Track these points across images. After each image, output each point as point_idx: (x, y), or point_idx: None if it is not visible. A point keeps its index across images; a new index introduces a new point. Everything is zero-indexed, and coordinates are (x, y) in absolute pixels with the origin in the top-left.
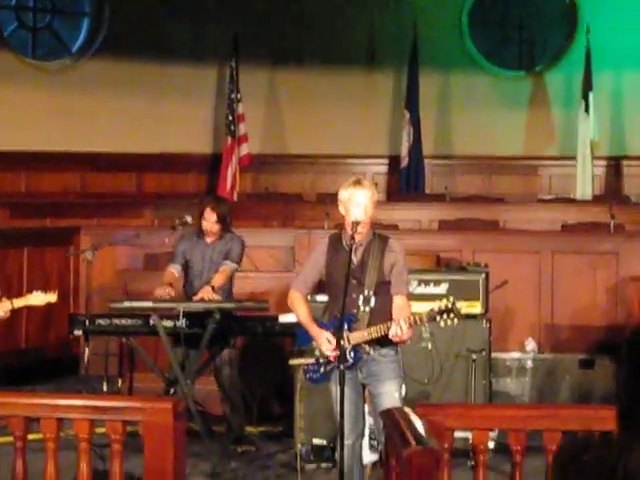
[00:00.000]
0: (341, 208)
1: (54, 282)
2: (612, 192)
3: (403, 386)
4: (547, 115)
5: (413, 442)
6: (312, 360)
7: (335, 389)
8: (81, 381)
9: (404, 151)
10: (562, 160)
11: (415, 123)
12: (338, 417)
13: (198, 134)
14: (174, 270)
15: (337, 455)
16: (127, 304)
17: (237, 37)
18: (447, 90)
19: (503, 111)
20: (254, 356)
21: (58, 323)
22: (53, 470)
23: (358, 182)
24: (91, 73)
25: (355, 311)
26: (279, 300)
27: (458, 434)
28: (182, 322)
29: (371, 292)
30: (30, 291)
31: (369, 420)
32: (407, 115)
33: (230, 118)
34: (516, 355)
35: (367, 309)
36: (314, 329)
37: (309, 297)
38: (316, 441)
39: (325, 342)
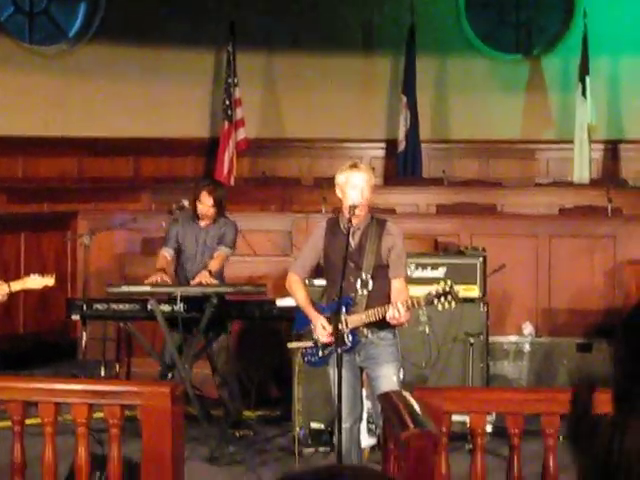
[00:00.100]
0: (338, 192)
1: (51, 267)
2: (609, 176)
3: (401, 370)
4: (544, 99)
5: (411, 425)
6: (310, 343)
7: (333, 372)
8: (79, 366)
9: (401, 135)
10: (559, 144)
11: (412, 107)
12: (336, 401)
13: (195, 118)
14: (167, 254)
15: (335, 439)
16: (125, 288)
17: (234, 21)
18: (444, 74)
19: (500, 95)
20: (252, 340)
21: (55, 308)
22: (51, 454)
23: (354, 165)
24: (88, 58)
25: (353, 294)
26: (277, 284)
27: (456, 418)
28: (180, 306)
29: (369, 275)
30: (27, 275)
31: (367, 404)
32: (404, 99)
33: (227, 103)
34: (514, 339)
35: (365, 292)
36: (312, 313)
37: (307, 281)
38: (314, 425)
39: (320, 327)
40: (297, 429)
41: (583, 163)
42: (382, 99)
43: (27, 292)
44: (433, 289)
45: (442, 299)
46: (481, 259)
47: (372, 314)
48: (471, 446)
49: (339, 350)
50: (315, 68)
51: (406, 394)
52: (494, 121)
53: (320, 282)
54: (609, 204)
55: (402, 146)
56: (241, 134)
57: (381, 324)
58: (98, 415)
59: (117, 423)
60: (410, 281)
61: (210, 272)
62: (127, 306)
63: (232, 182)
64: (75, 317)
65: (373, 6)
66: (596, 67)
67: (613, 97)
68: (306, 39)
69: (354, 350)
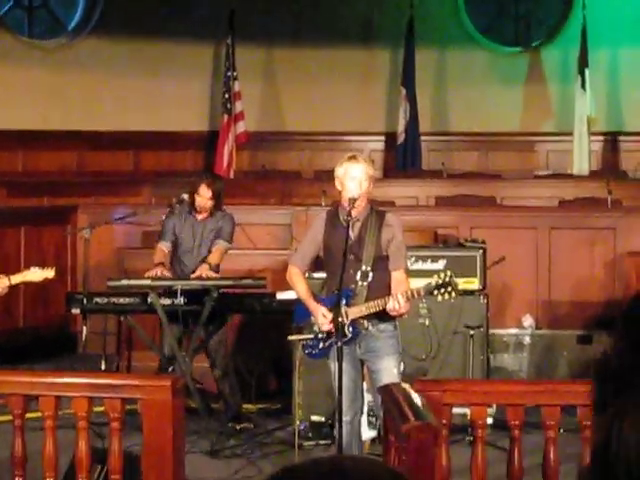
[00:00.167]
0: (337, 184)
1: (51, 261)
2: (609, 168)
3: (401, 362)
4: (544, 91)
5: (411, 417)
6: (311, 336)
7: (334, 365)
8: (79, 360)
9: (401, 128)
10: (559, 136)
11: (412, 100)
12: (336, 393)
13: (195, 112)
14: (164, 247)
15: (336, 432)
16: (125, 282)
17: (233, 14)
18: (444, 66)
19: (500, 87)
20: (252, 333)
21: (56, 302)
22: (52, 448)
23: (353, 157)
24: (87, 51)
25: (353, 286)
26: (277, 277)
27: (456, 410)
28: (180, 300)
29: (369, 267)
30: (28, 269)
31: (367, 396)
32: (403, 92)
33: (226, 96)
34: (514, 331)
35: (365, 284)
36: (312, 304)
37: (307, 274)
38: (314, 418)
39: (320, 316)
40: (297, 422)
41: (583, 155)
42: (382, 92)
43: (27, 286)
44: (433, 280)
45: (442, 290)
46: (481, 251)
47: (372, 306)
48: (472, 438)
49: (339, 342)
50: (315, 61)
51: (406, 386)
52: (493, 113)
53: (319, 275)
54: (609, 196)
55: (401, 138)
56: (241, 127)
57: (381, 316)
58: (99, 409)
59: (118, 417)
60: (410, 273)
61: (210, 266)
62: (127, 300)
63: (232, 175)
64: (75, 311)
65: None
66: (595, 59)
67: (612, 89)
68: (306, 32)
69: (355, 342)
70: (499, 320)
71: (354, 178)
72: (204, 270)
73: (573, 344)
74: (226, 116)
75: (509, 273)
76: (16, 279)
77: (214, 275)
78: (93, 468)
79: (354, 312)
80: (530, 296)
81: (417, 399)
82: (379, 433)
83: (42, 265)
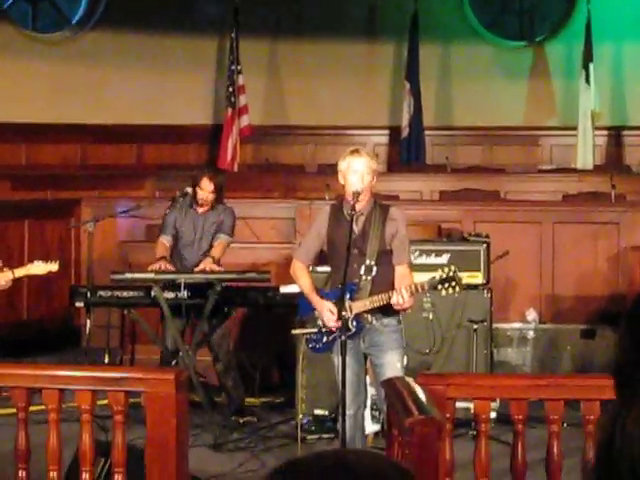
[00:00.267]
0: (340, 178)
1: (55, 254)
2: (613, 162)
3: (405, 356)
4: (548, 86)
5: (415, 411)
6: (314, 330)
7: (337, 359)
8: (82, 353)
9: (405, 122)
10: (563, 130)
11: (415, 94)
12: (340, 387)
13: (198, 105)
14: (165, 241)
15: (339, 426)
16: (128, 275)
17: (237, 8)
18: (447, 61)
19: (504, 82)
20: (255, 327)
21: (59, 295)
22: (56, 441)
23: (356, 151)
24: (91, 45)
25: (357, 280)
26: (280, 271)
27: (460, 404)
28: (183, 293)
29: (373, 261)
30: (31, 262)
31: (371, 390)
32: (407, 86)
33: (230, 90)
34: (517, 325)
35: (369, 278)
36: (316, 299)
37: (310, 268)
38: (318, 412)
39: (327, 313)
40: (301, 416)
41: (587, 150)
42: (385, 86)
43: (31, 279)
44: (437, 275)
45: (446, 284)
46: (485, 245)
47: (376, 300)
48: (475, 432)
49: (343, 336)
50: (319, 55)
51: (410, 380)
52: (497, 108)
53: (323, 269)
54: (613, 190)
55: (405, 133)
56: (244, 121)
57: (385, 310)
58: (102, 402)
59: (121, 410)
60: (414, 268)
61: (213, 259)
62: (131, 293)
63: (236, 169)
64: (79, 304)
65: None
66: (600, 54)
67: (617, 84)
68: (310, 26)
69: (358, 336)
70: (503, 314)
71: (356, 172)
72: (208, 264)
73: (577, 338)
74: (230, 110)
75: (513, 267)
76: (19, 272)
77: (218, 269)
78: (96, 461)
79: (358, 306)
80: (534, 290)
81: (421, 393)
82: (382, 427)
83: (45, 258)
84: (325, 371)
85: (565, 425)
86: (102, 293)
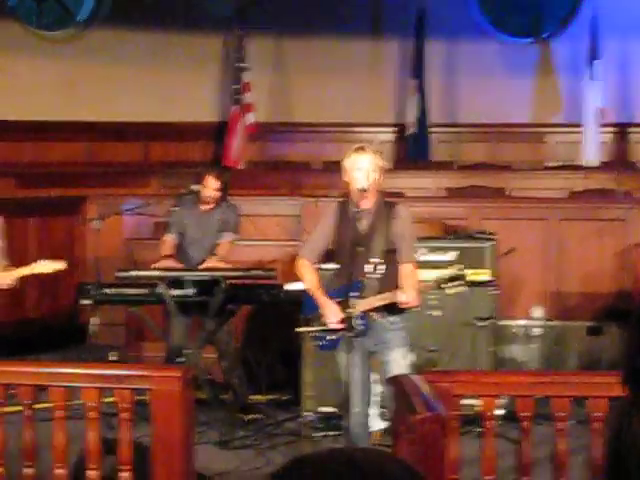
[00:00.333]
0: (346, 176)
1: (61, 252)
2: (619, 159)
3: (411, 354)
4: (554, 82)
5: (421, 408)
6: (320, 328)
7: (343, 357)
8: (88, 350)
9: (411, 119)
10: (569, 127)
11: (421, 91)
12: (346, 385)
13: (204, 103)
14: (171, 239)
15: (345, 423)
16: (134, 273)
17: (243, 5)
18: (454, 57)
19: (509, 78)
20: (261, 324)
21: (65, 292)
22: (62, 439)
23: (360, 148)
24: (97, 42)
25: (363, 279)
26: (286, 268)
27: (466, 401)
28: (189, 291)
29: (378, 259)
30: (36, 261)
31: (377, 388)
32: (413, 83)
33: (236, 87)
34: (523, 322)
35: (375, 276)
36: (321, 298)
37: (316, 265)
38: (323, 409)
39: (330, 313)
40: (307, 413)
41: (592, 146)
42: (391, 83)
43: (36, 277)
44: (443, 273)
45: (452, 283)
46: (490, 243)
47: (382, 298)
48: (481, 430)
49: (349, 334)
50: (324, 52)
51: (416, 378)
52: (503, 105)
53: (328, 266)
54: (619, 187)
55: (411, 130)
56: (250, 118)
57: (391, 308)
58: (108, 399)
59: (127, 407)
60: (420, 265)
61: (219, 257)
62: (136, 290)
63: (241, 166)
64: (85, 302)
65: None
66: (606, 50)
67: (622, 80)
68: (316, 23)
69: (364, 334)
70: (509, 311)
71: (361, 169)
72: (214, 261)
73: (583, 335)
74: (236, 107)
75: (519, 264)
76: (25, 271)
77: (223, 266)
78: (103, 459)
79: (364, 304)
80: (540, 287)
81: (426, 390)
82: (389, 424)
83: (51, 256)
84: (330, 368)
85: (571, 422)
86: (108, 290)
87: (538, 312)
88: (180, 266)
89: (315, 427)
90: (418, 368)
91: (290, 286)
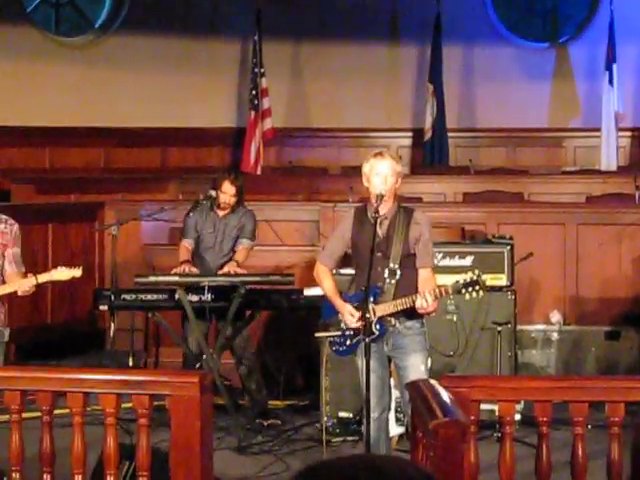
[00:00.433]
0: (364, 181)
1: (79, 257)
2: (637, 163)
3: (429, 359)
4: (571, 87)
5: (439, 414)
6: (338, 333)
7: (361, 362)
8: (107, 356)
9: (428, 124)
10: (586, 132)
11: (439, 96)
12: (364, 390)
13: (222, 108)
14: (187, 245)
15: (363, 428)
16: (152, 278)
17: (260, 11)
18: (471, 62)
19: (527, 83)
20: (279, 330)
21: (83, 298)
22: (80, 444)
23: (379, 153)
24: (114, 48)
25: (381, 284)
26: (304, 274)
27: (484, 406)
28: (207, 296)
29: (396, 265)
30: (55, 267)
31: (395, 393)
32: (431, 88)
33: (254, 92)
34: (541, 327)
35: (392, 282)
36: (338, 302)
37: (334, 271)
38: (342, 414)
39: (348, 315)
40: (325, 419)
41: (610, 151)
42: (408, 88)
43: (55, 283)
44: (461, 278)
45: (470, 288)
46: (508, 247)
47: (400, 303)
48: (500, 434)
49: (367, 339)
50: (341, 57)
51: (434, 383)
52: (521, 109)
53: (347, 271)
54: (637, 192)
55: (429, 135)
56: (267, 124)
57: (409, 313)
58: (127, 405)
59: (146, 413)
60: (437, 270)
61: (237, 263)
62: (155, 296)
63: (259, 172)
64: (103, 307)
65: None
66: (623, 54)
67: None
68: (332, 28)
69: (382, 339)
70: (527, 316)
71: (379, 174)
72: (232, 267)
73: (601, 340)
74: (253, 113)
75: (537, 269)
76: (43, 278)
77: (241, 271)
78: (121, 464)
79: (381, 309)
80: (558, 292)
81: (445, 395)
82: (407, 429)
83: (69, 262)
84: (349, 374)
85: (590, 427)
86: (126, 296)
87: (556, 317)
88: (197, 271)
89: (334, 432)
90: (436, 373)
91: (308, 291)
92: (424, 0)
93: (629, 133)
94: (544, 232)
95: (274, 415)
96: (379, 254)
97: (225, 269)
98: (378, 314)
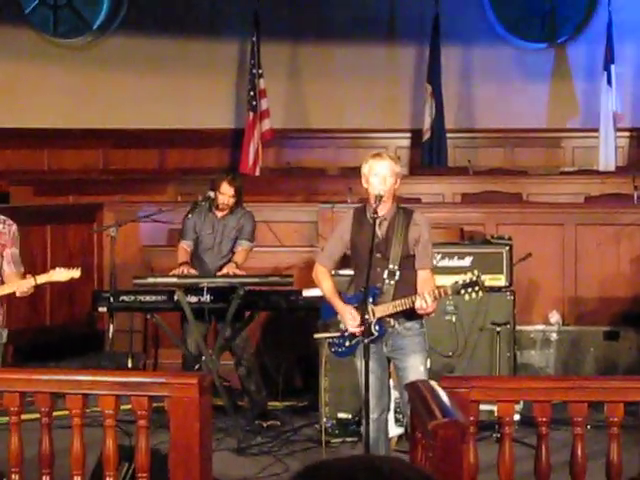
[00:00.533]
0: (363, 182)
1: (77, 259)
2: (635, 163)
3: (428, 360)
4: (569, 87)
5: (439, 414)
6: (337, 334)
7: (360, 363)
8: (106, 358)
9: (426, 124)
10: (585, 132)
11: (437, 96)
12: (363, 391)
13: (220, 110)
14: (186, 246)
15: (362, 429)
16: (151, 280)
17: (258, 12)
18: (469, 63)
19: (525, 83)
20: (278, 331)
21: (82, 300)
22: (79, 446)
23: (378, 154)
24: (112, 50)
25: (380, 285)
26: (303, 275)
27: (483, 407)
28: (206, 297)
29: (396, 266)
30: (54, 268)
31: (394, 394)
32: (429, 88)
33: (252, 93)
34: (540, 327)
35: (392, 283)
36: (338, 304)
37: (333, 272)
38: (341, 415)
39: (349, 318)
40: (324, 419)
41: (609, 151)
42: (407, 88)
43: (53, 284)
44: (460, 279)
45: (469, 289)
46: (507, 248)
47: (399, 304)
48: (499, 435)
49: (366, 340)
50: (340, 58)
51: (433, 383)
52: (519, 110)
53: (346, 272)
54: (635, 192)
55: (427, 135)
56: (266, 125)
57: (408, 314)
58: (126, 406)
59: (145, 414)
60: (436, 271)
61: (236, 264)
62: (153, 297)
63: (258, 173)
64: (102, 309)
65: None
66: (621, 55)
67: (638, 85)
68: (330, 29)
69: (381, 340)
70: (526, 317)
71: (378, 175)
72: (231, 268)
73: (600, 340)
74: (251, 113)
75: (535, 270)
76: (41, 279)
77: (240, 272)
78: (120, 466)
79: (381, 310)
80: (556, 292)
81: (444, 396)
82: (406, 430)
83: (68, 263)
84: (348, 375)
85: (589, 427)
86: (125, 298)
87: (555, 317)
88: (196, 273)
89: (333, 433)
90: (435, 374)
91: (307, 292)
92: (422, 1)
93: (627, 133)
94: (543, 232)
95: (273, 416)
96: (378, 255)
97: (224, 270)
98: (377, 315)
